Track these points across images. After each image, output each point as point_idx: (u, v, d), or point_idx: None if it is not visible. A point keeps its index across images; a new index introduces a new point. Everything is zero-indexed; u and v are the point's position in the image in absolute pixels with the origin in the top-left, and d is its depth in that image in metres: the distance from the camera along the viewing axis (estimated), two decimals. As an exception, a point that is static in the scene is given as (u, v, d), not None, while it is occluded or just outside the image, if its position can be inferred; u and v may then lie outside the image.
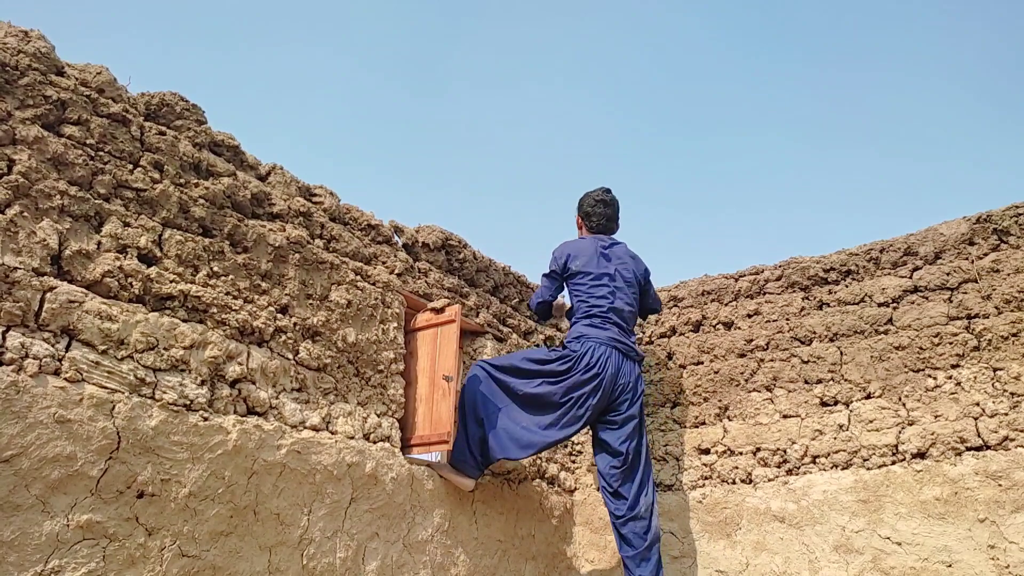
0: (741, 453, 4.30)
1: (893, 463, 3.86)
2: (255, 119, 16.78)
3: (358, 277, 3.59)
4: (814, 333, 4.32)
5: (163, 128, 2.92)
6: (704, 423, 4.50)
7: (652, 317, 4.90)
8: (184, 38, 16.48)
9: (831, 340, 4.26)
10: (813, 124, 18.23)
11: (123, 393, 2.52)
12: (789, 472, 4.14)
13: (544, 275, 4.20)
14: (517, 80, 19.25)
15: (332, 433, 3.26)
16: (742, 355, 4.50)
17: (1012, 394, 3.68)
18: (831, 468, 4.02)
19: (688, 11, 18.41)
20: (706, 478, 4.38)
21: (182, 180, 2.92)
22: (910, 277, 4.14)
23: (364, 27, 18.33)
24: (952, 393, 3.82)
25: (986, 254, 3.96)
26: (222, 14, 16.91)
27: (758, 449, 4.26)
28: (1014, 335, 3.75)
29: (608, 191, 4.25)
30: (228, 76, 17.73)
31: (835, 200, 17.72)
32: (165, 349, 2.68)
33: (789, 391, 4.27)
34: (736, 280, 4.70)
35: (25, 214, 2.39)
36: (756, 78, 18.28)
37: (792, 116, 18.32)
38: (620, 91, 19.22)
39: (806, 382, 4.25)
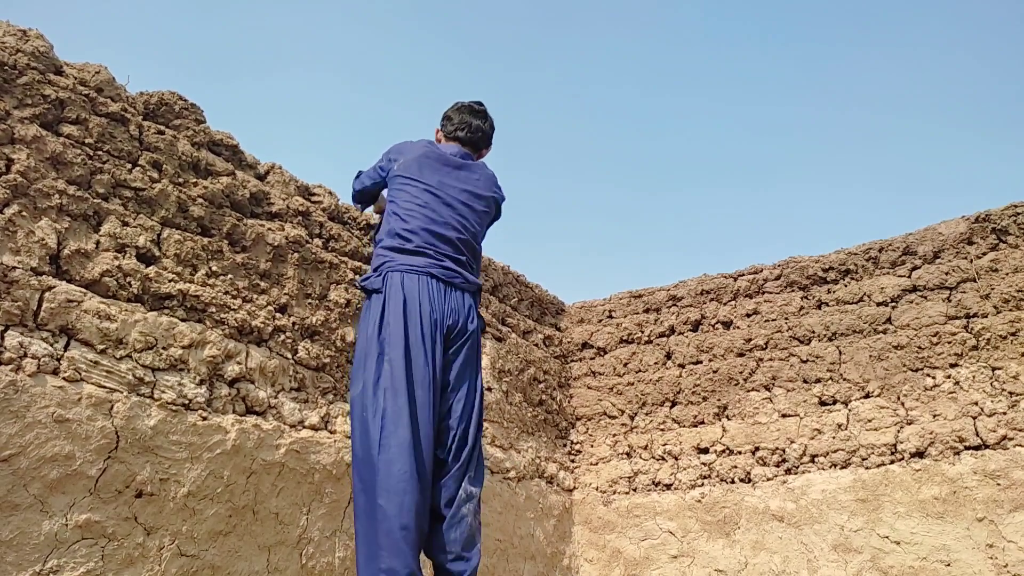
0: (740, 452, 4.31)
1: (892, 462, 3.87)
2: (253, 120, 16.77)
3: (357, 276, 3.58)
4: (813, 332, 4.32)
5: (162, 127, 2.92)
6: (703, 422, 4.50)
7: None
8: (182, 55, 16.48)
9: (830, 339, 4.26)
10: (812, 123, 18.24)
11: (122, 392, 2.51)
12: (788, 471, 4.14)
13: (376, 164, 3.16)
14: (516, 92, 19.24)
15: (331, 432, 3.25)
16: (741, 354, 4.50)
17: (1010, 393, 3.68)
18: (830, 467, 4.03)
19: (687, 11, 18.42)
20: (705, 477, 4.38)
21: (181, 179, 2.91)
22: (909, 276, 4.15)
23: (357, 48, 18.33)
24: (951, 392, 3.82)
25: (985, 253, 3.96)
26: (222, 31, 16.90)
27: (757, 448, 4.26)
28: (1012, 334, 3.76)
29: (481, 103, 3.21)
30: (229, 77, 17.72)
31: (835, 200, 17.73)
32: (164, 348, 2.68)
33: (788, 390, 4.28)
34: (735, 279, 4.70)
35: (24, 213, 2.39)
36: (754, 77, 18.28)
37: (790, 114, 18.33)
38: (618, 91, 19.22)
39: (805, 381, 4.25)
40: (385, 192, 3.17)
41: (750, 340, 4.49)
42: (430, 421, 2.54)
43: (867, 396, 4.04)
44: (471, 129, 3.11)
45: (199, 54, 17.10)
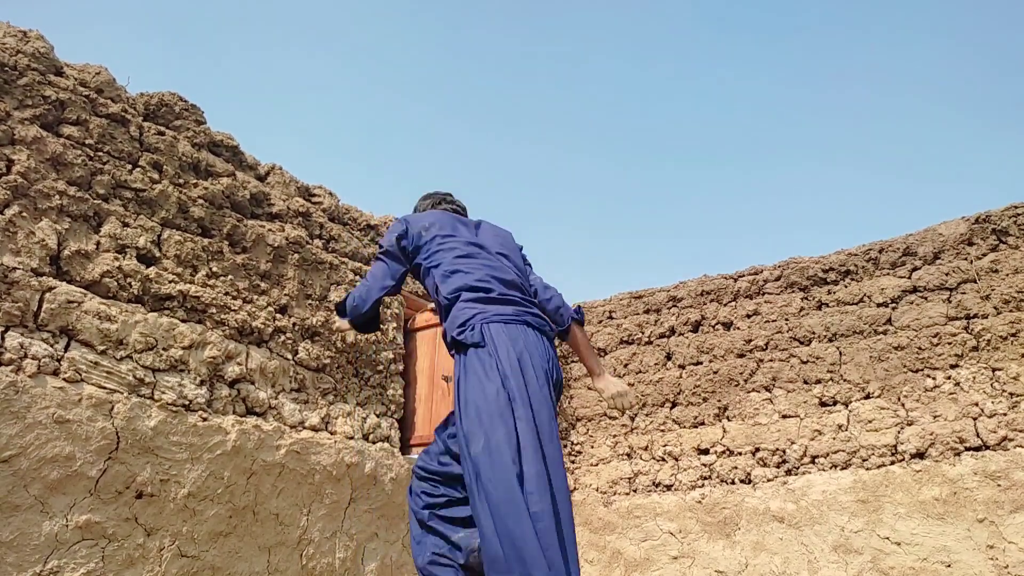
0: (740, 453, 4.30)
1: (892, 463, 3.86)
2: (253, 121, 16.78)
3: (357, 277, 3.58)
4: (813, 333, 4.32)
5: (162, 128, 2.92)
6: (703, 423, 4.49)
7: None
8: (183, 41, 16.48)
9: (830, 340, 4.26)
10: (813, 124, 18.24)
11: (122, 393, 2.51)
12: (788, 472, 4.14)
13: (376, 256, 2.89)
14: (519, 92, 19.26)
15: (331, 433, 3.25)
16: (741, 355, 4.50)
17: (1011, 394, 3.68)
18: (830, 468, 4.02)
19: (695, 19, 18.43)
20: (705, 478, 4.38)
21: (181, 180, 2.91)
22: (909, 277, 4.15)
23: (358, 35, 18.34)
24: (951, 393, 3.82)
25: (985, 254, 3.96)
26: (222, 20, 16.90)
27: (757, 449, 4.26)
28: (1013, 335, 3.76)
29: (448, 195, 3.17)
30: (228, 80, 17.73)
31: (834, 200, 17.73)
32: (164, 349, 2.68)
33: (788, 391, 4.27)
34: (735, 280, 4.70)
35: (24, 214, 2.39)
36: (755, 78, 18.29)
37: (791, 114, 18.33)
38: (619, 92, 19.23)
39: (805, 382, 4.25)
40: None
41: (750, 341, 4.49)
42: (564, 475, 2.42)
43: (867, 397, 4.04)
44: (448, 201, 3.08)
45: (197, 46, 17.11)
